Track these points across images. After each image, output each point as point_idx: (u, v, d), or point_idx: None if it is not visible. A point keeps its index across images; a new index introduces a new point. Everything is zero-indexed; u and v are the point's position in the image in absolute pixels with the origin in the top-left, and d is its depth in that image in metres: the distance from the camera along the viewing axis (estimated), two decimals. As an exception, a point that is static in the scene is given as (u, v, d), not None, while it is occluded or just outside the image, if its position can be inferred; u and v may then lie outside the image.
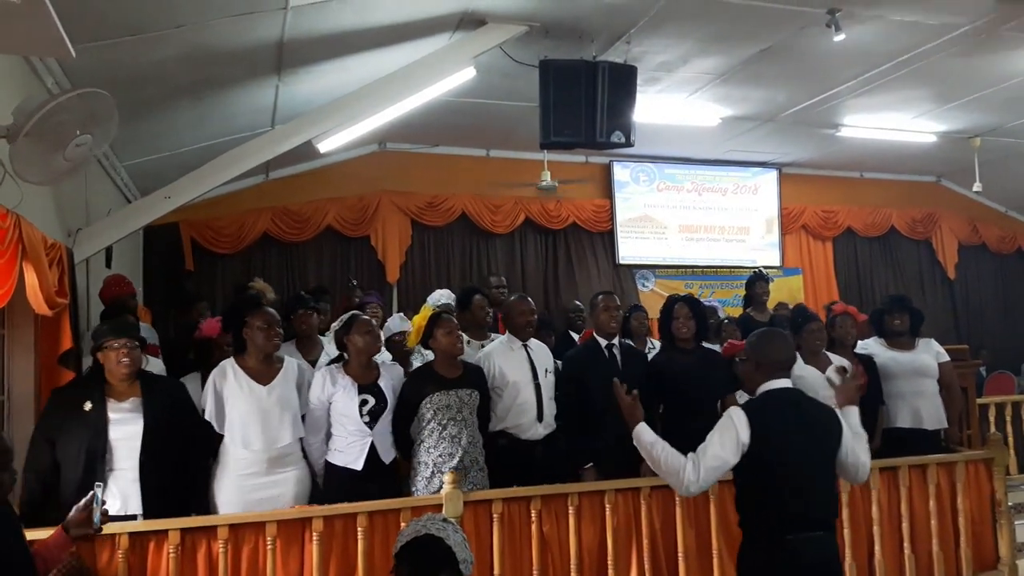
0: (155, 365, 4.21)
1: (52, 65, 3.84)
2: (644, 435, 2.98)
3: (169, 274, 7.46)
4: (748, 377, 2.99)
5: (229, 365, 3.66)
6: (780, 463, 2.75)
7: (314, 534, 3.38)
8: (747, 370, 2.99)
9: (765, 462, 2.74)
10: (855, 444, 2.88)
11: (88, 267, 4.80)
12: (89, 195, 4.94)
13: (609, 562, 3.77)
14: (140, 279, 7.10)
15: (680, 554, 3.87)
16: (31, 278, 3.25)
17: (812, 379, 4.37)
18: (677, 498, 3.90)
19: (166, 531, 3.24)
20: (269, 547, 3.33)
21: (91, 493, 2.57)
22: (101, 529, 2.59)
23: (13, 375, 3.84)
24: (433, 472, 3.78)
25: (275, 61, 5.02)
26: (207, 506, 3.56)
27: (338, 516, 3.45)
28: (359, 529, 3.44)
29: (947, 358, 4.93)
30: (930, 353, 4.88)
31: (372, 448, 3.75)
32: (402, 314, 5.17)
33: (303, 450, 3.75)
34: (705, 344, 4.67)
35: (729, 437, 2.77)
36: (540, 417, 4.20)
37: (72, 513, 2.46)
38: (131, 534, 3.21)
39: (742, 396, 4.62)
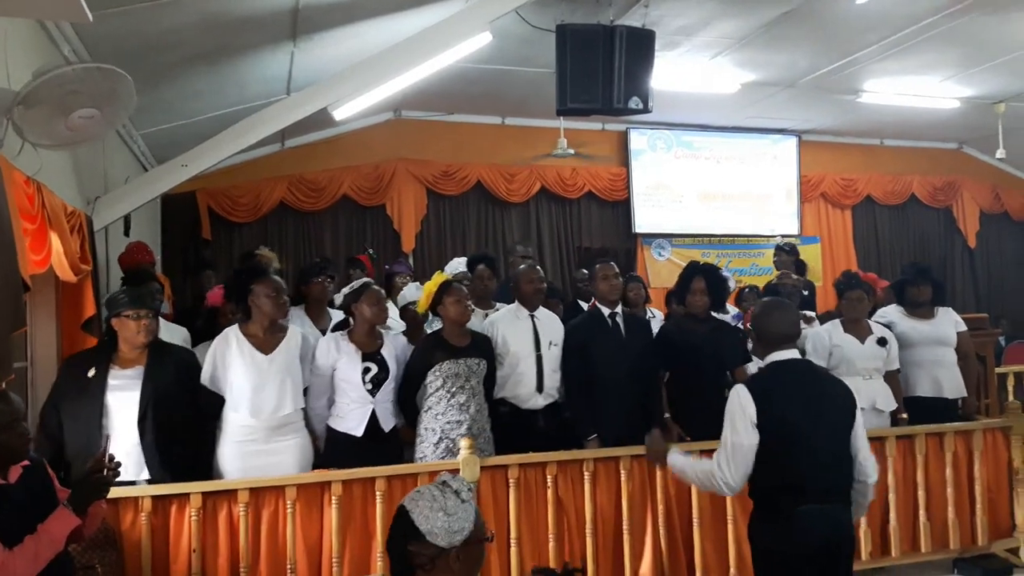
0: (179, 333, 4.26)
1: (68, 32, 3.83)
2: (675, 461, 3.04)
3: (186, 242, 7.52)
4: (755, 348, 2.97)
5: (232, 333, 3.66)
6: (787, 433, 2.70)
7: (333, 498, 3.43)
8: (753, 341, 2.98)
9: (772, 433, 2.70)
10: (863, 435, 2.83)
11: (107, 235, 4.84)
12: (107, 163, 4.96)
13: (624, 527, 3.81)
14: (158, 247, 7.15)
15: (695, 519, 3.91)
16: (55, 245, 3.27)
17: (848, 349, 4.43)
18: (692, 465, 3.92)
19: (188, 494, 3.30)
20: (288, 510, 3.39)
21: (103, 448, 2.57)
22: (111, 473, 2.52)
23: (36, 341, 3.89)
24: (441, 438, 3.81)
25: (290, 27, 4.99)
26: (211, 472, 3.59)
27: (356, 480, 3.50)
28: (378, 493, 3.48)
29: (964, 327, 4.90)
30: (949, 322, 4.85)
31: (373, 415, 3.78)
32: (418, 283, 5.17)
33: (306, 419, 3.77)
34: (715, 314, 4.63)
35: (738, 417, 2.73)
36: (540, 388, 4.17)
37: (90, 464, 2.48)
38: (154, 497, 3.27)
39: (757, 361, 4.62)
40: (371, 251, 7.08)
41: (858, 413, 2.83)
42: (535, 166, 8.71)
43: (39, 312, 3.90)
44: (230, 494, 3.36)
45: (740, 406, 2.73)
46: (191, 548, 3.28)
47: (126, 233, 5.31)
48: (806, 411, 2.73)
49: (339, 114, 6.22)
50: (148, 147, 6.14)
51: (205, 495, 3.33)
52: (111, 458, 2.45)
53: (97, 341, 3.88)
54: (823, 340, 4.59)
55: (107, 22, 3.79)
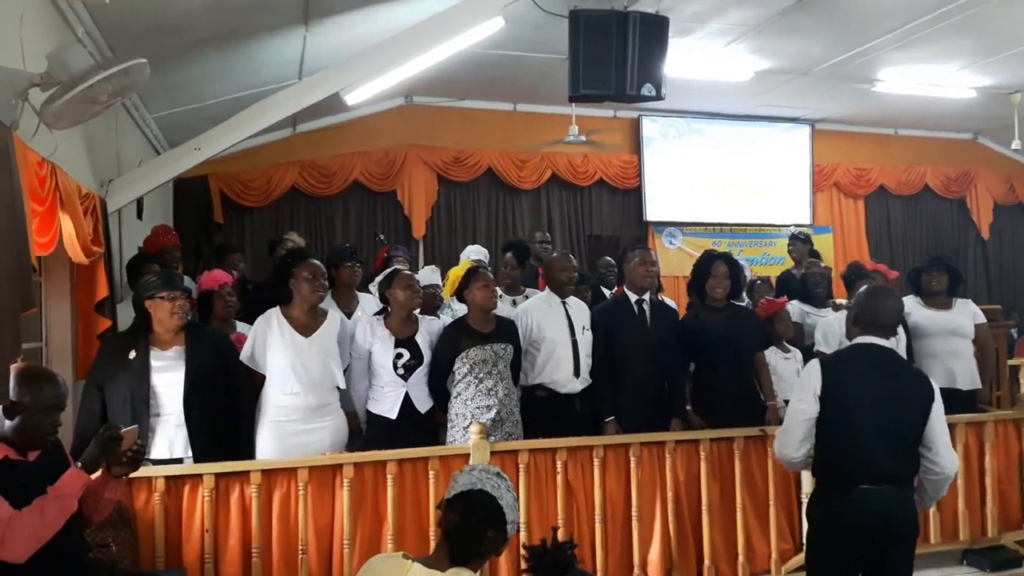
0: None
1: (82, 13, 3.83)
2: None
3: (199, 227, 7.54)
4: (847, 328, 2.98)
5: (275, 314, 3.73)
6: (849, 412, 2.74)
7: (344, 480, 3.45)
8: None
9: (833, 409, 2.76)
10: (941, 429, 2.79)
11: (120, 218, 4.86)
12: (120, 146, 4.98)
13: (633, 513, 3.81)
14: (170, 231, 7.17)
15: (704, 507, 3.91)
16: (68, 226, 3.29)
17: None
18: (701, 452, 3.93)
19: (201, 475, 3.33)
20: (300, 492, 3.41)
21: (133, 429, 2.62)
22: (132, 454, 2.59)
23: (51, 322, 3.93)
24: (471, 423, 3.82)
25: (302, 11, 4.98)
26: (252, 451, 3.65)
27: (368, 463, 3.52)
28: (389, 476, 3.50)
29: (984, 319, 4.87)
30: (966, 314, 4.80)
31: (407, 398, 3.85)
32: (433, 266, 5.19)
33: (341, 401, 3.83)
34: (734, 301, 4.63)
35: (804, 387, 2.84)
36: (577, 372, 4.20)
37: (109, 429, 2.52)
38: (167, 477, 3.30)
39: (775, 352, 4.62)
40: (382, 236, 7.09)
41: (935, 407, 2.78)
42: (546, 153, 8.68)
43: (54, 293, 3.93)
44: (242, 475, 3.39)
45: (808, 377, 2.85)
46: (203, 528, 3.31)
47: (139, 216, 5.33)
48: (873, 395, 2.76)
49: (351, 99, 6.21)
50: (161, 130, 6.15)
51: (218, 476, 3.35)
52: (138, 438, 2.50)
53: (110, 323, 3.93)
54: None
55: (121, 4, 3.80)
